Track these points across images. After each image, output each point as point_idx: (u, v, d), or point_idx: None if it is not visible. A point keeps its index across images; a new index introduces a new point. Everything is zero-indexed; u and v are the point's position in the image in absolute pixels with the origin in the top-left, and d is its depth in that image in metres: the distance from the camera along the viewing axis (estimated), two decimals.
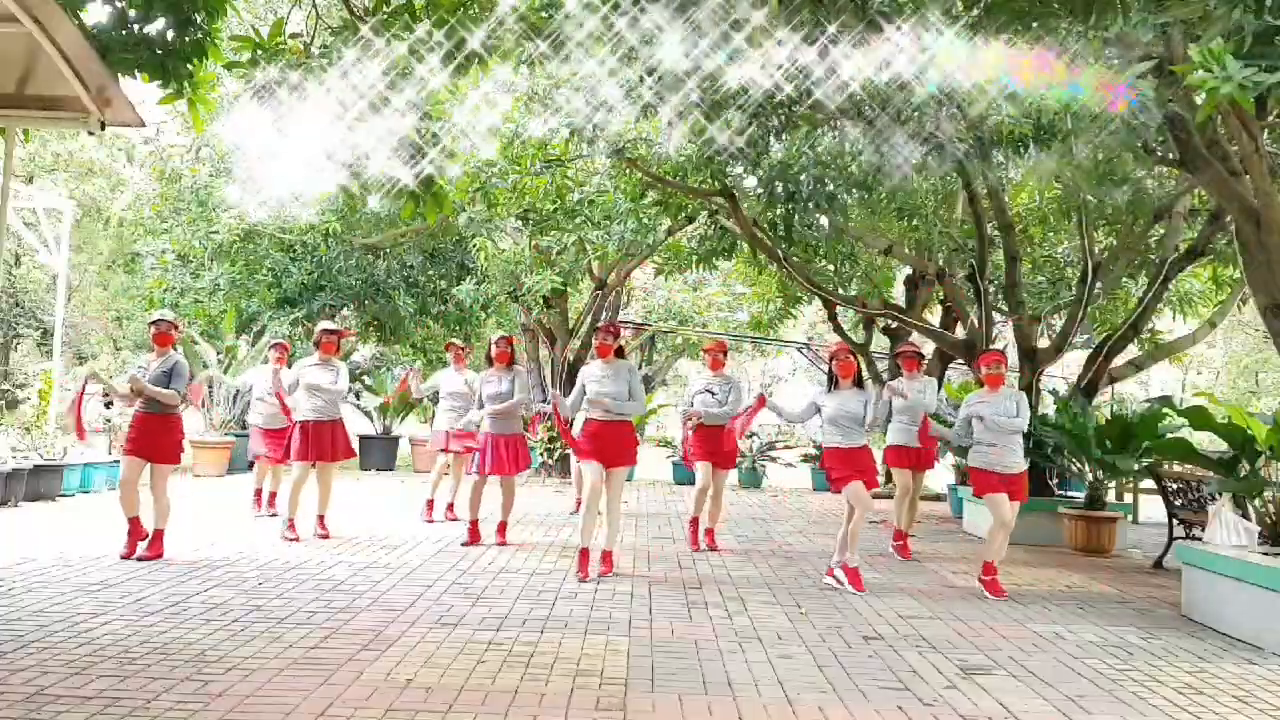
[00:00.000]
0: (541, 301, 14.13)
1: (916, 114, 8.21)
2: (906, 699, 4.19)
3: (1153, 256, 10.80)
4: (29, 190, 15.22)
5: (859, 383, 6.81)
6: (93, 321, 24.31)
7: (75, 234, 18.87)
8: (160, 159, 14.88)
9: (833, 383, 6.83)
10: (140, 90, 5.87)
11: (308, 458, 7.81)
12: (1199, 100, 4.69)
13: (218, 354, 14.33)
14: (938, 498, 13.66)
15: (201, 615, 5.13)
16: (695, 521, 8.20)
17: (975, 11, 5.55)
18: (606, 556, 6.74)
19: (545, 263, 12.94)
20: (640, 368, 23.74)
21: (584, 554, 6.64)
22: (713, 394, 7.98)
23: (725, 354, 8.35)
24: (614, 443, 6.61)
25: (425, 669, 4.33)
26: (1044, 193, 10.47)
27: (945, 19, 6.07)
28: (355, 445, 8.45)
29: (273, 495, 9.22)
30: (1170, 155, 7.47)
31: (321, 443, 7.84)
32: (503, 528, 8.05)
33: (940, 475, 13.80)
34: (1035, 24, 5.18)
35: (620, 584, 6.46)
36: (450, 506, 9.30)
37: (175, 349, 6.98)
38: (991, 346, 10.32)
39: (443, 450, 9.16)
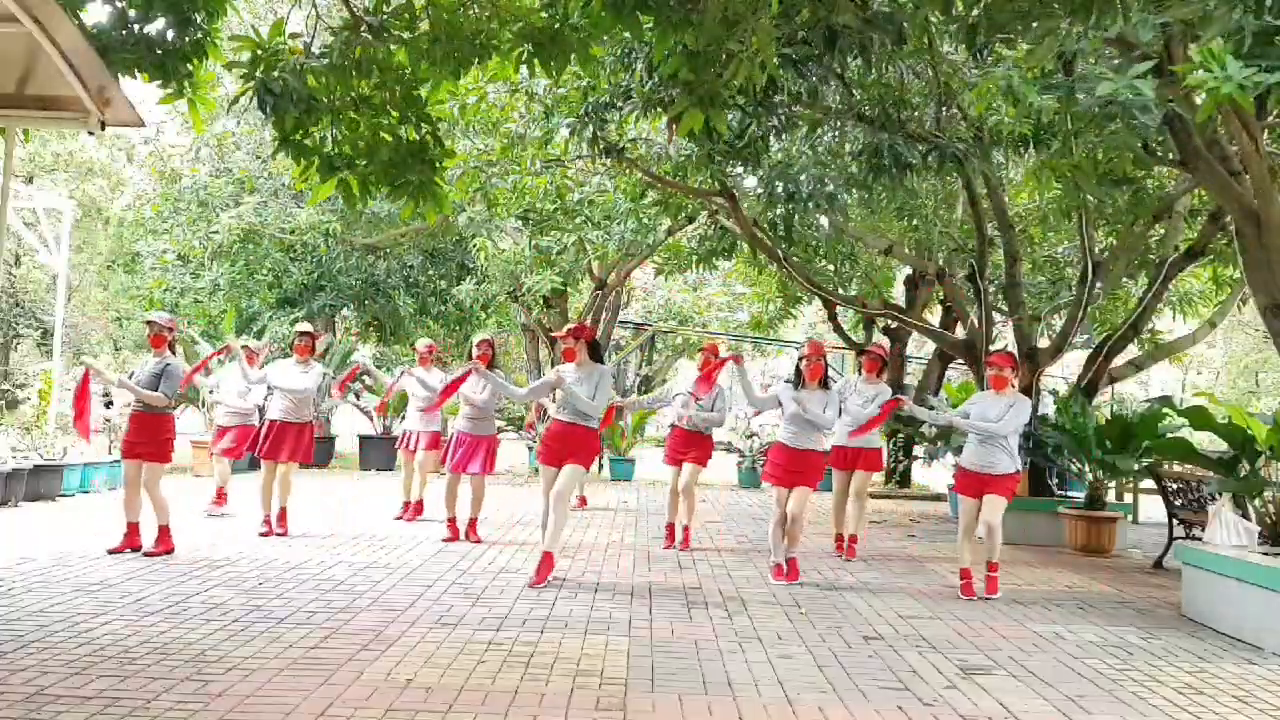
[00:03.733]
0: (541, 301, 14.14)
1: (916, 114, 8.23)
2: (906, 699, 4.19)
3: (1153, 256, 10.79)
4: (29, 190, 15.22)
5: (824, 384, 6.76)
6: (93, 321, 24.31)
7: (75, 234, 18.87)
8: (160, 159, 14.89)
9: (799, 381, 6.76)
10: (140, 90, 5.88)
11: (271, 456, 7.90)
12: (1199, 100, 4.69)
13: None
14: (937, 498, 13.66)
15: (201, 615, 5.13)
16: (671, 526, 8.25)
17: (976, 11, 5.54)
18: (546, 558, 6.42)
19: (545, 263, 12.94)
20: (640, 368, 23.75)
21: (547, 557, 6.41)
22: (697, 398, 7.97)
23: (716, 356, 8.37)
24: (571, 444, 6.43)
25: (425, 669, 4.33)
26: (1044, 193, 10.48)
27: (945, 19, 6.07)
28: (355, 445, 8.50)
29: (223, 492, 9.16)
30: (1170, 155, 7.46)
31: (284, 443, 7.90)
32: (473, 525, 8.06)
33: (940, 475, 13.83)
34: (1035, 24, 5.18)
35: (620, 584, 6.46)
36: (419, 504, 9.31)
37: (171, 350, 7.00)
38: (993, 348, 10.31)
39: (406, 449, 9.22)
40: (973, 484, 6.59)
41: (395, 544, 7.71)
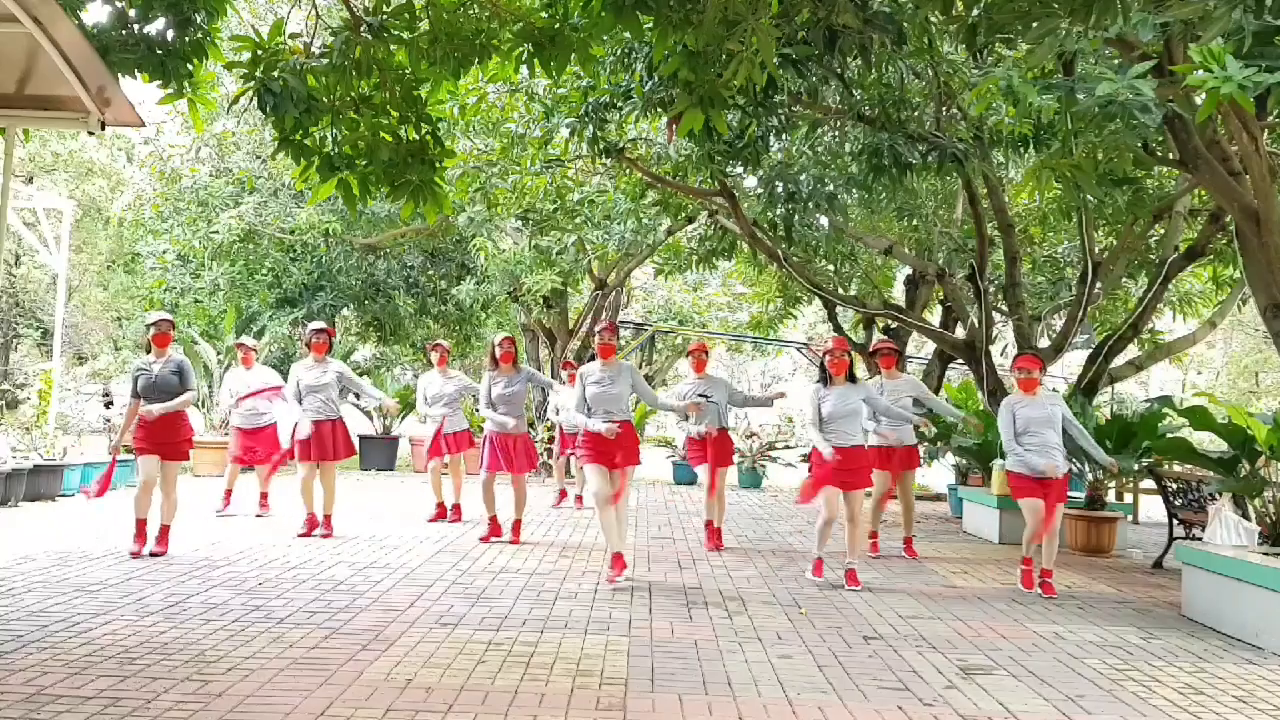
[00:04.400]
0: (541, 301, 14.13)
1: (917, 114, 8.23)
2: (906, 699, 4.19)
3: (1153, 256, 10.80)
4: (29, 190, 15.22)
5: (852, 378, 6.76)
6: (93, 321, 24.30)
7: (75, 234, 18.87)
8: (160, 159, 14.89)
9: (826, 379, 6.74)
10: (140, 90, 5.89)
11: (309, 457, 7.92)
12: (1199, 100, 4.69)
13: (218, 354, 14.34)
14: (938, 498, 13.66)
15: (201, 615, 5.13)
16: (711, 524, 8.23)
17: (976, 11, 5.54)
18: (617, 558, 6.68)
19: (545, 263, 12.94)
20: (640, 368, 23.74)
21: (617, 557, 6.56)
22: (708, 398, 7.92)
23: (707, 354, 8.43)
24: (616, 442, 6.57)
25: (425, 669, 4.33)
26: (1044, 193, 10.50)
27: (945, 19, 6.07)
28: (356, 445, 8.49)
29: (229, 491, 9.24)
30: (1170, 155, 7.46)
31: (323, 442, 7.93)
32: (517, 527, 8.09)
33: (940, 475, 13.82)
34: (1035, 24, 5.17)
35: (620, 584, 6.46)
36: (456, 508, 9.29)
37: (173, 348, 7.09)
38: (993, 348, 10.31)
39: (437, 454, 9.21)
40: (1038, 488, 6.58)
41: (395, 544, 7.71)
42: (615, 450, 6.57)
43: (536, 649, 4.73)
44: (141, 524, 6.87)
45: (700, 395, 7.94)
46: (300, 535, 7.87)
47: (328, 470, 8.03)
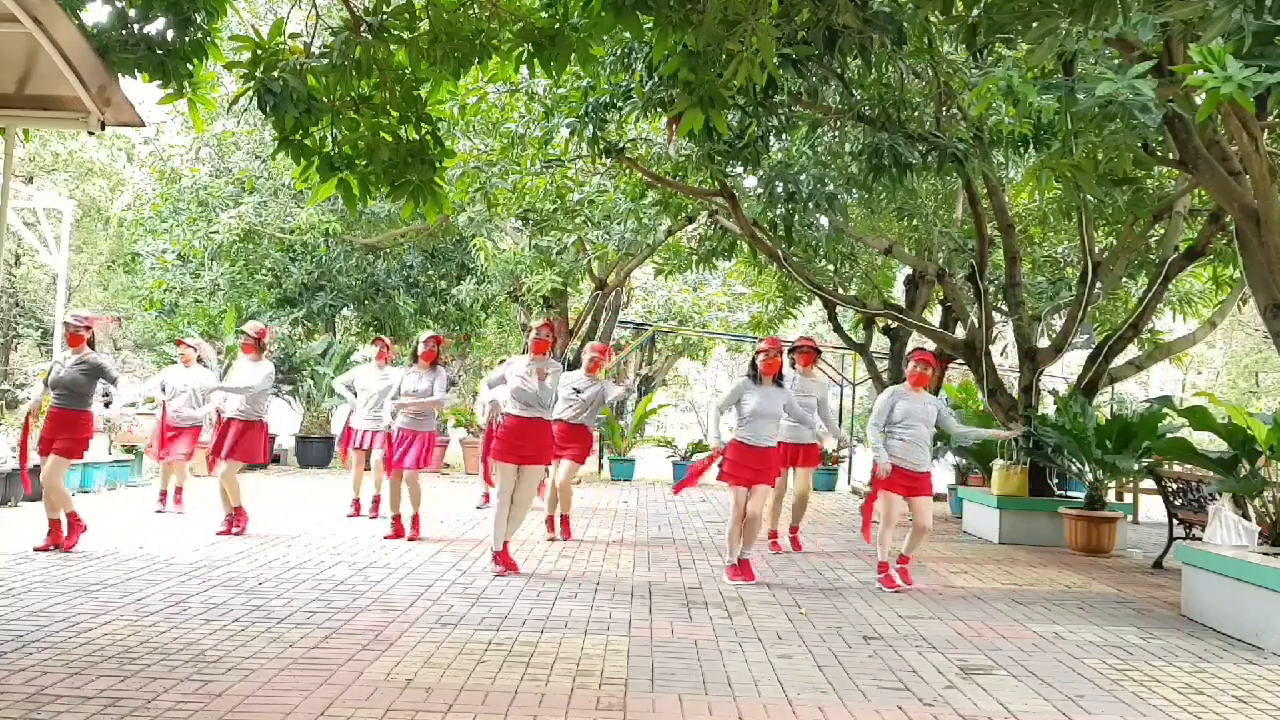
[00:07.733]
0: (541, 301, 14.13)
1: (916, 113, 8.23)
2: (906, 699, 4.19)
3: (1153, 256, 10.79)
4: (29, 190, 15.22)
5: (778, 382, 6.74)
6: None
7: (75, 234, 18.87)
8: (160, 159, 14.90)
9: (755, 376, 6.71)
10: (140, 90, 5.89)
11: (223, 455, 7.90)
12: (1199, 100, 4.69)
13: (218, 354, 14.33)
14: (938, 498, 13.64)
15: (201, 615, 5.13)
16: (550, 519, 8.49)
17: (976, 11, 5.54)
18: (498, 556, 6.69)
19: (545, 263, 12.94)
20: (640, 367, 23.73)
21: (498, 555, 6.69)
22: (578, 391, 8.21)
23: (606, 357, 8.68)
24: (531, 440, 6.62)
25: (425, 669, 4.33)
26: (1044, 193, 10.49)
27: (945, 19, 6.07)
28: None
29: (165, 493, 9.24)
30: (1170, 155, 7.46)
31: (232, 441, 7.89)
32: (415, 521, 8.06)
33: (940, 475, 13.83)
34: (1035, 24, 5.17)
35: (620, 584, 6.46)
36: (375, 501, 9.38)
37: (91, 347, 7.08)
38: (993, 348, 10.33)
39: (355, 448, 9.31)
40: (902, 481, 6.64)
41: (395, 544, 7.71)
42: (521, 448, 6.61)
43: (536, 649, 4.73)
44: (54, 524, 6.83)
45: (572, 389, 8.19)
46: (219, 533, 7.78)
47: (231, 469, 7.91)
